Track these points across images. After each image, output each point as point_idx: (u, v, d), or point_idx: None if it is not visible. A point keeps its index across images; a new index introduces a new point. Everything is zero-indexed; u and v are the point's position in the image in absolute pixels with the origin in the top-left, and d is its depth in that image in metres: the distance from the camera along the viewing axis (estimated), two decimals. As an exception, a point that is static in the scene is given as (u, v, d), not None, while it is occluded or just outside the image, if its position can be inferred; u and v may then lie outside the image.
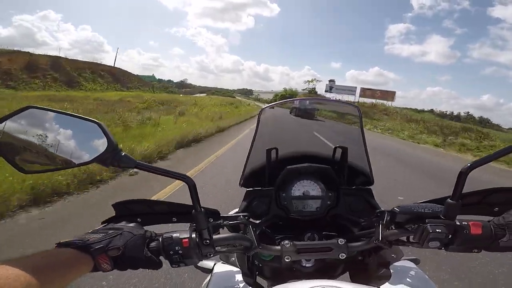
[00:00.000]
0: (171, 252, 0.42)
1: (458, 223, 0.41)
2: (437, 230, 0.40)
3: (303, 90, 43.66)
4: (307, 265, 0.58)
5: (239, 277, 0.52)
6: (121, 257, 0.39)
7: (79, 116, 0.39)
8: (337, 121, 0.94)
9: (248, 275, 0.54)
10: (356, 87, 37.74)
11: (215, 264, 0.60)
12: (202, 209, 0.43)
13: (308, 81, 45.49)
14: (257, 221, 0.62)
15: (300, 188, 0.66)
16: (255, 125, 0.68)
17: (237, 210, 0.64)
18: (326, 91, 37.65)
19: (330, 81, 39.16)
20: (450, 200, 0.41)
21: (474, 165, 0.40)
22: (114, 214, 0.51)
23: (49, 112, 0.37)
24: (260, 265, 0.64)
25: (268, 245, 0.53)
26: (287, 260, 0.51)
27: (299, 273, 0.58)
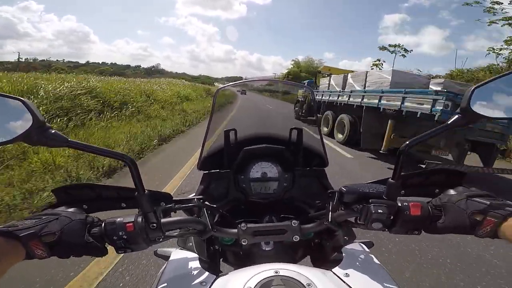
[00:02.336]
0: (115, 238, 0.42)
1: (400, 204, 0.44)
2: (379, 211, 0.43)
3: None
4: (266, 249, 0.61)
5: (196, 262, 0.53)
6: (57, 243, 0.39)
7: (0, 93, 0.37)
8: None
9: (205, 261, 0.55)
10: None
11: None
12: (146, 191, 0.43)
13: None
14: (216, 205, 0.63)
15: (258, 170, 0.69)
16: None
17: (194, 194, 0.65)
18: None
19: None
20: (391, 180, 0.44)
21: (412, 143, 0.43)
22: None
23: None
24: (221, 250, 0.66)
25: (225, 228, 0.55)
26: (244, 243, 0.52)
27: (260, 257, 0.60)
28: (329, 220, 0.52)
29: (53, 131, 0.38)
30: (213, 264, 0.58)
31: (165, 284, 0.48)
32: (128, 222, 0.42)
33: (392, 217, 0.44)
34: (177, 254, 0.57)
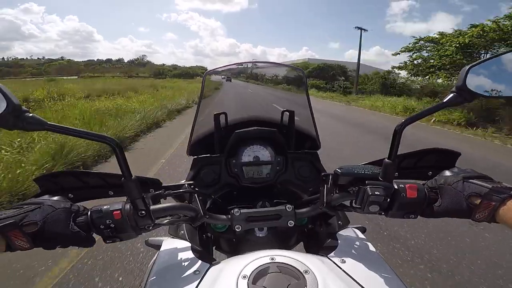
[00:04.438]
0: (102, 227, 0.42)
1: (396, 186, 0.44)
2: (376, 193, 0.43)
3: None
4: (260, 235, 0.61)
5: (188, 251, 0.53)
6: (40, 233, 0.38)
7: None
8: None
9: (197, 249, 0.55)
10: None
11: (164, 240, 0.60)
12: (134, 177, 0.43)
13: None
14: (208, 192, 0.64)
15: (250, 153, 0.69)
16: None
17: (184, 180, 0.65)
18: None
19: None
20: (386, 160, 0.44)
21: (407, 122, 0.44)
22: None
23: None
24: (213, 237, 0.67)
25: (217, 214, 0.55)
26: (238, 230, 0.53)
27: (254, 244, 0.61)
28: (324, 204, 0.52)
29: (30, 115, 0.37)
30: (206, 252, 0.58)
31: (157, 275, 0.48)
32: (115, 210, 0.42)
33: (388, 199, 0.44)
34: (168, 243, 0.57)
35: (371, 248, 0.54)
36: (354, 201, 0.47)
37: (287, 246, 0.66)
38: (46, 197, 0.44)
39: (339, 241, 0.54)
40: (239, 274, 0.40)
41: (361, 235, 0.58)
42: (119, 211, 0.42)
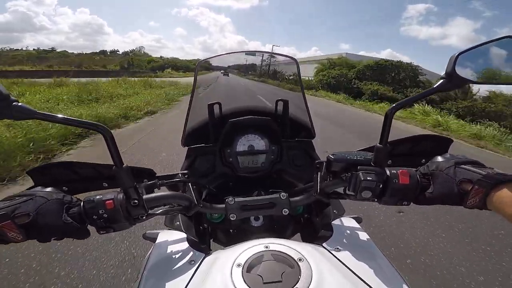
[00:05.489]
0: (95, 217, 0.42)
1: (388, 172, 0.44)
2: (368, 178, 0.43)
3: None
4: (256, 225, 0.62)
5: (184, 242, 0.53)
6: (32, 224, 0.38)
7: None
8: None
9: (193, 240, 0.55)
10: None
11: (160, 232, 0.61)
12: (125, 165, 0.43)
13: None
14: (202, 182, 0.64)
15: (245, 143, 0.70)
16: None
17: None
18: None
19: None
20: (378, 145, 0.45)
21: (398, 106, 0.44)
22: None
23: None
24: (210, 229, 0.67)
25: (211, 203, 0.55)
26: (233, 219, 0.53)
27: (250, 234, 0.61)
28: (318, 191, 0.53)
29: (19, 104, 0.37)
30: (202, 243, 0.59)
31: (152, 266, 0.48)
32: (108, 200, 0.42)
33: (381, 185, 0.44)
34: (164, 234, 0.57)
35: (366, 237, 0.55)
36: (347, 188, 0.48)
37: (283, 236, 0.67)
38: (39, 189, 0.43)
39: (334, 230, 0.55)
40: (234, 263, 0.40)
41: (356, 225, 0.59)
42: (111, 201, 0.42)
